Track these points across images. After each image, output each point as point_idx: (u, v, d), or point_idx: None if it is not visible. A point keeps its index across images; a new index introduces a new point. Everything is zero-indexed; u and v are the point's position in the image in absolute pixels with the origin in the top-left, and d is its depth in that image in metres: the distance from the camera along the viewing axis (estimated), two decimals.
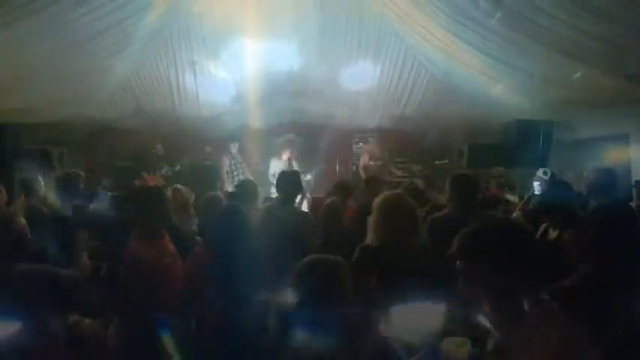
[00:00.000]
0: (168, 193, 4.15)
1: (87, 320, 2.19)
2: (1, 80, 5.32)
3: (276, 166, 8.84)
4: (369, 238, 2.99)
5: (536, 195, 4.94)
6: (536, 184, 5.23)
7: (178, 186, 4.55)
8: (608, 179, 3.97)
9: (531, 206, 4.55)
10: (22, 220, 3.09)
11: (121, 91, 7.45)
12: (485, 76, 6.26)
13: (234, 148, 8.94)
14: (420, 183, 6.43)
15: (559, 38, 4.52)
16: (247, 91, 7.59)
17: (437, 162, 9.33)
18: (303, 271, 2.10)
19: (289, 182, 4.16)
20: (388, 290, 2.60)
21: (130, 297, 2.85)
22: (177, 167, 8.65)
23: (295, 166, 9.05)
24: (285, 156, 9.00)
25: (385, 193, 3.16)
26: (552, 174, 5.35)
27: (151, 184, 7.16)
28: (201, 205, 4.52)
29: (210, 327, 2.81)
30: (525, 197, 5.08)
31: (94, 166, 8.12)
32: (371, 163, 9.02)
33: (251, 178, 8.58)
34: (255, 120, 8.90)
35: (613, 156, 6.11)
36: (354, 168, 9.85)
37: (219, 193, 5.22)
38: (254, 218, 3.90)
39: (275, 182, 4.44)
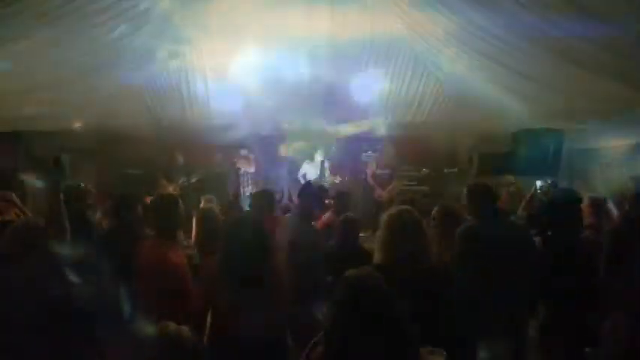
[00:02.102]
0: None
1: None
2: (14, 89, 5.40)
3: (308, 169, 8.97)
4: (377, 257, 2.81)
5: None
6: (538, 183, 5.21)
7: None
8: None
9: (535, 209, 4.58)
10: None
11: (133, 100, 7.51)
12: (495, 85, 6.25)
13: (244, 155, 9.04)
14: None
15: (570, 48, 4.51)
16: (257, 99, 7.63)
17: (446, 170, 9.32)
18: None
19: (311, 196, 4.14)
20: None
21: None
22: (194, 179, 8.73)
23: (327, 169, 9.13)
24: (319, 158, 9.09)
25: (393, 209, 2.98)
26: (554, 182, 5.34)
27: (171, 191, 7.27)
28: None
29: (224, 340, 2.81)
30: (528, 196, 5.08)
31: (106, 174, 8.18)
32: (379, 171, 9.05)
33: (260, 185, 8.68)
34: (265, 128, 8.95)
35: (624, 166, 6.08)
36: (363, 176, 9.84)
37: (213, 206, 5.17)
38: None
39: (298, 194, 4.44)
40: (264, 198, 4.65)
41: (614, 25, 3.91)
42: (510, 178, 7.48)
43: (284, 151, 9.61)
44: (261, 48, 6.69)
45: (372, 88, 7.64)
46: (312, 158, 9.31)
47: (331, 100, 8.07)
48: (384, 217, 2.92)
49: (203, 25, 6.33)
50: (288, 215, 4.74)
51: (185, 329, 1.97)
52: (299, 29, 6.34)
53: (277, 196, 6.15)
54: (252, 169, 9.29)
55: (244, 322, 2.67)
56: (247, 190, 8.94)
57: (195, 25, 6.32)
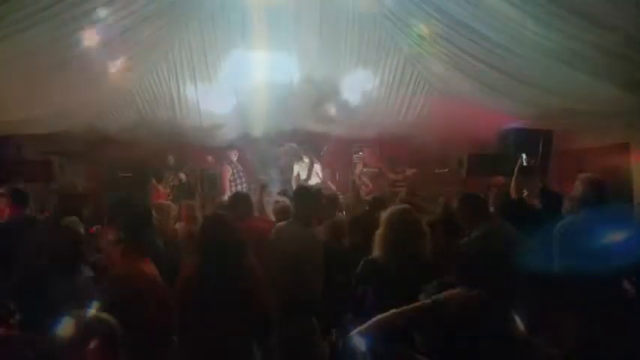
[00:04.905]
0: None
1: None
2: (3, 93, 5.35)
3: (298, 170, 8.97)
4: (375, 251, 3.03)
5: None
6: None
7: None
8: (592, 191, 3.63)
9: None
10: None
11: (123, 102, 7.47)
12: (484, 86, 6.28)
13: (234, 156, 9.00)
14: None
15: (559, 48, 4.55)
16: (248, 101, 7.62)
17: (437, 171, 9.36)
18: None
19: (310, 200, 3.94)
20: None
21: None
22: (183, 177, 8.67)
23: (318, 169, 9.10)
24: (307, 158, 9.08)
25: (392, 208, 3.22)
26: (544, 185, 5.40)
27: (161, 192, 7.26)
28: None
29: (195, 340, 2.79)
30: None
31: (95, 177, 8.13)
32: (364, 170, 9.08)
33: (252, 186, 8.66)
34: (256, 129, 8.93)
35: (613, 166, 6.12)
36: (353, 177, 9.86)
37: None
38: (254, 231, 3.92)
39: (293, 196, 4.32)
40: (241, 201, 4.60)
41: (604, 26, 3.95)
42: (500, 178, 7.52)
43: (275, 152, 9.61)
44: (251, 50, 6.68)
45: (362, 89, 7.65)
46: (300, 159, 9.30)
47: (322, 101, 8.08)
48: (383, 214, 3.11)
49: (194, 25, 6.34)
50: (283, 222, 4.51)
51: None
52: (289, 31, 6.35)
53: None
54: (242, 171, 9.26)
55: (215, 322, 2.70)
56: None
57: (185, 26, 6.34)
